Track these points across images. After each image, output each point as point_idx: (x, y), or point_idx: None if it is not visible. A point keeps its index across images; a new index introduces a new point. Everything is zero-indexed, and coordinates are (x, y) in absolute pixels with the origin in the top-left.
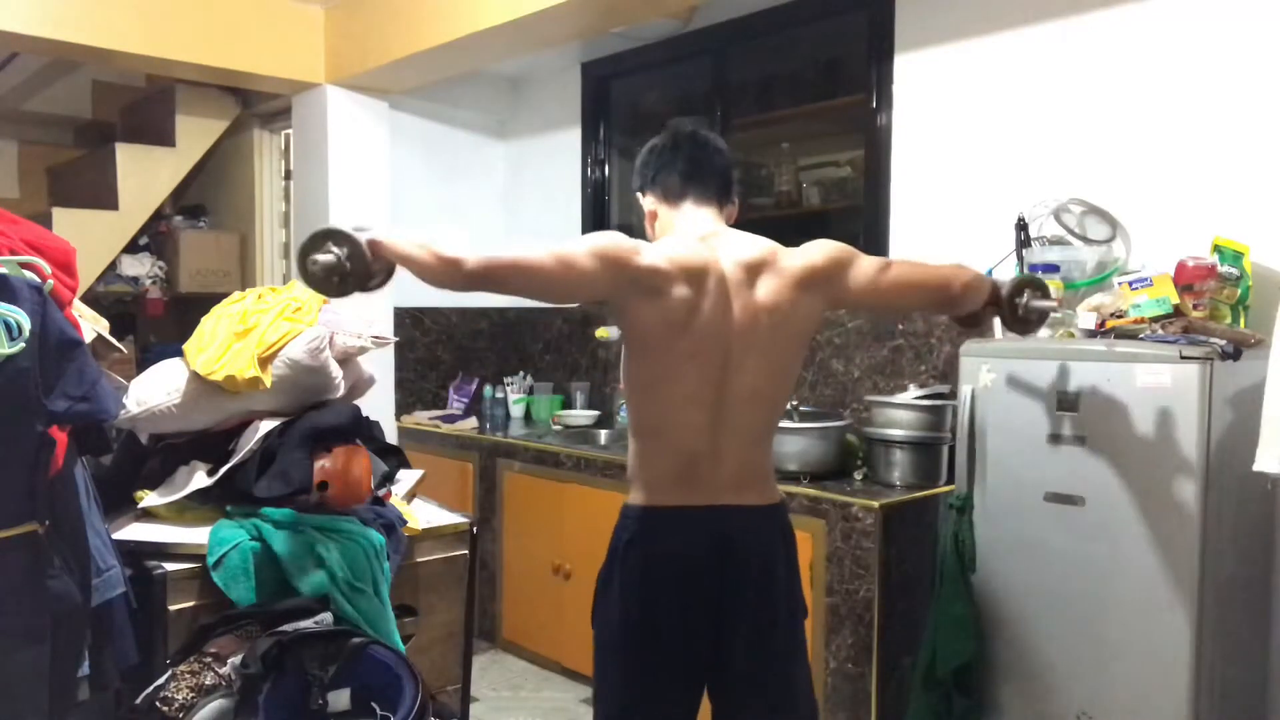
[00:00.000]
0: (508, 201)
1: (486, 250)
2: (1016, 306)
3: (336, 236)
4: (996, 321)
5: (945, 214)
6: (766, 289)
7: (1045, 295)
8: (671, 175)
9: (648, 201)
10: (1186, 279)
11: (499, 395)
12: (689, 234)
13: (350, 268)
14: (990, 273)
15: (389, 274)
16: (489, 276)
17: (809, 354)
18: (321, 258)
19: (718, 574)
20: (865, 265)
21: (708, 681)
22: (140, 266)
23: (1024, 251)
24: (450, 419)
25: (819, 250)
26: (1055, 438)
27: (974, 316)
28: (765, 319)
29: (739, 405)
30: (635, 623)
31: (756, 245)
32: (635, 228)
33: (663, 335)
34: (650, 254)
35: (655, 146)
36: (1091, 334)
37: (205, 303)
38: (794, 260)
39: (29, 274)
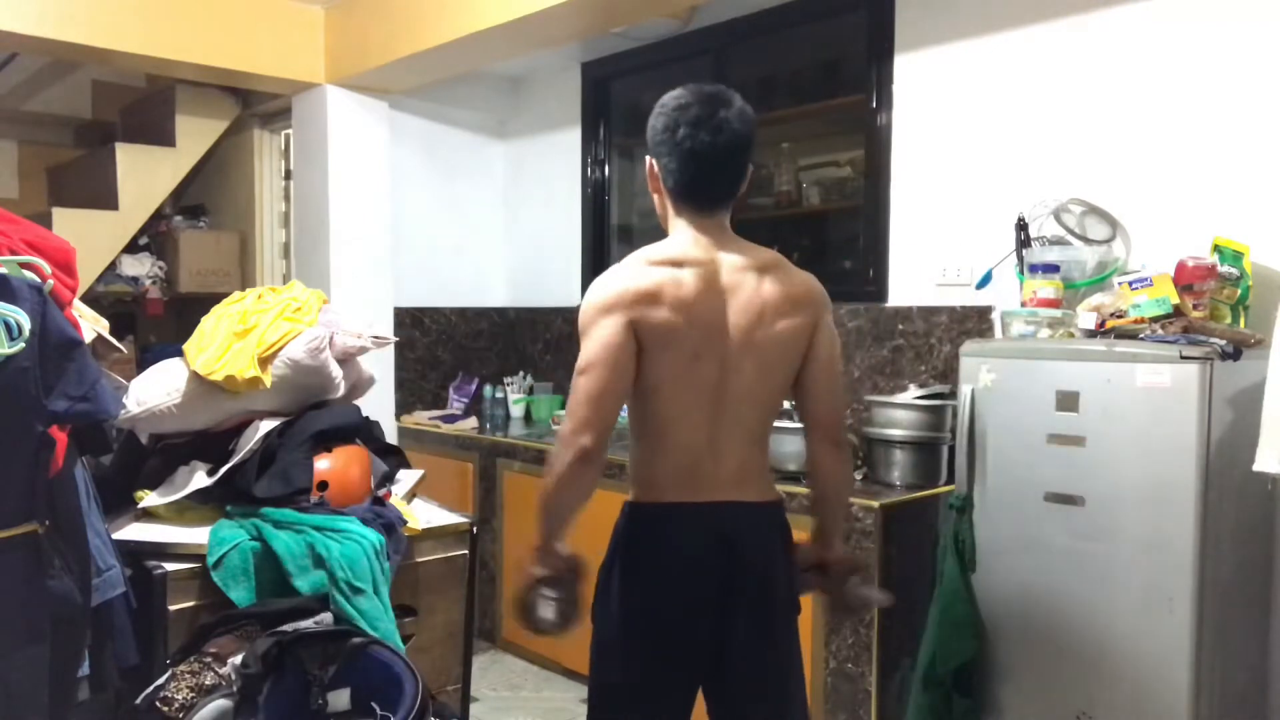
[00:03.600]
0: (508, 201)
1: (575, 426)
2: (844, 585)
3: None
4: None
5: (945, 214)
6: (766, 291)
7: (865, 588)
8: (679, 177)
9: (653, 165)
10: (1186, 279)
11: (499, 395)
12: (685, 238)
13: (564, 594)
14: (989, 275)
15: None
16: (606, 441)
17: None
18: (550, 617)
19: (720, 569)
20: (829, 334)
21: (705, 676)
22: (140, 266)
23: (1024, 251)
24: (450, 419)
25: (811, 284)
26: (1055, 438)
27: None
28: (763, 319)
29: (737, 405)
30: (637, 617)
31: (756, 253)
32: (635, 228)
33: (665, 337)
34: (631, 275)
35: (670, 126)
36: (1091, 334)
37: (205, 303)
38: (793, 277)
39: (29, 274)
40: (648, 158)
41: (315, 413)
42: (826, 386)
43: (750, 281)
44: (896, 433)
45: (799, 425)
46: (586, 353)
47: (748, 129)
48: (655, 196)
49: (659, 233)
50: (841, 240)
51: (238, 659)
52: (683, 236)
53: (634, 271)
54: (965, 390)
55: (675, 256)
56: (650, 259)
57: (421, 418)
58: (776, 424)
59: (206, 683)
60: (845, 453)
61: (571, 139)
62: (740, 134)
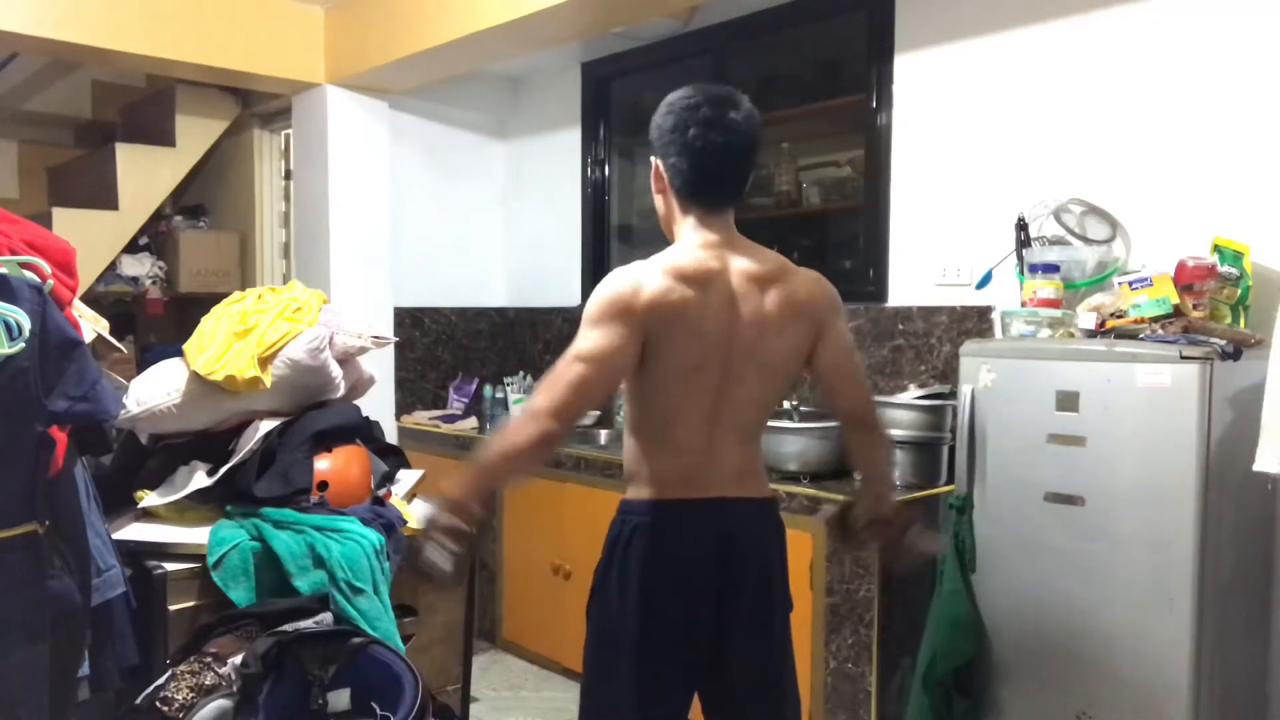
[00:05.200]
0: (508, 201)
1: (543, 404)
2: (904, 535)
3: (429, 548)
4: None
5: (945, 214)
6: (771, 303)
7: (927, 539)
8: (686, 182)
9: (658, 165)
10: (1186, 279)
11: (499, 395)
12: (693, 243)
13: (460, 549)
14: (989, 275)
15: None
16: (570, 425)
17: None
18: (443, 565)
19: (719, 566)
20: (844, 329)
21: (703, 674)
22: (140, 266)
23: (1024, 251)
24: (450, 419)
25: (820, 286)
26: (1055, 438)
27: (853, 513)
28: (767, 331)
29: (736, 409)
30: (636, 614)
31: (764, 259)
32: (635, 228)
33: (670, 347)
34: (658, 278)
35: (680, 125)
36: (1091, 334)
37: (205, 303)
38: (798, 281)
39: (29, 274)
40: (653, 158)
41: (315, 413)
42: (847, 382)
43: (757, 294)
44: (896, 433)
45: (800, 425)
46: (591, 344)
47: (756, 131)
48: (659, 198)
49: (659, 233)
50: (841, 240)
51: (238, 659)
52: (694, 242)
53: (656, 281)
54: (965, 390)
55: (693, 270)
56: (670, 270)
57: (421, 418)
58: (777, 424)
59: (206, 683)
60: (879, 432)
61: (571, 139)
62: (749, 136)
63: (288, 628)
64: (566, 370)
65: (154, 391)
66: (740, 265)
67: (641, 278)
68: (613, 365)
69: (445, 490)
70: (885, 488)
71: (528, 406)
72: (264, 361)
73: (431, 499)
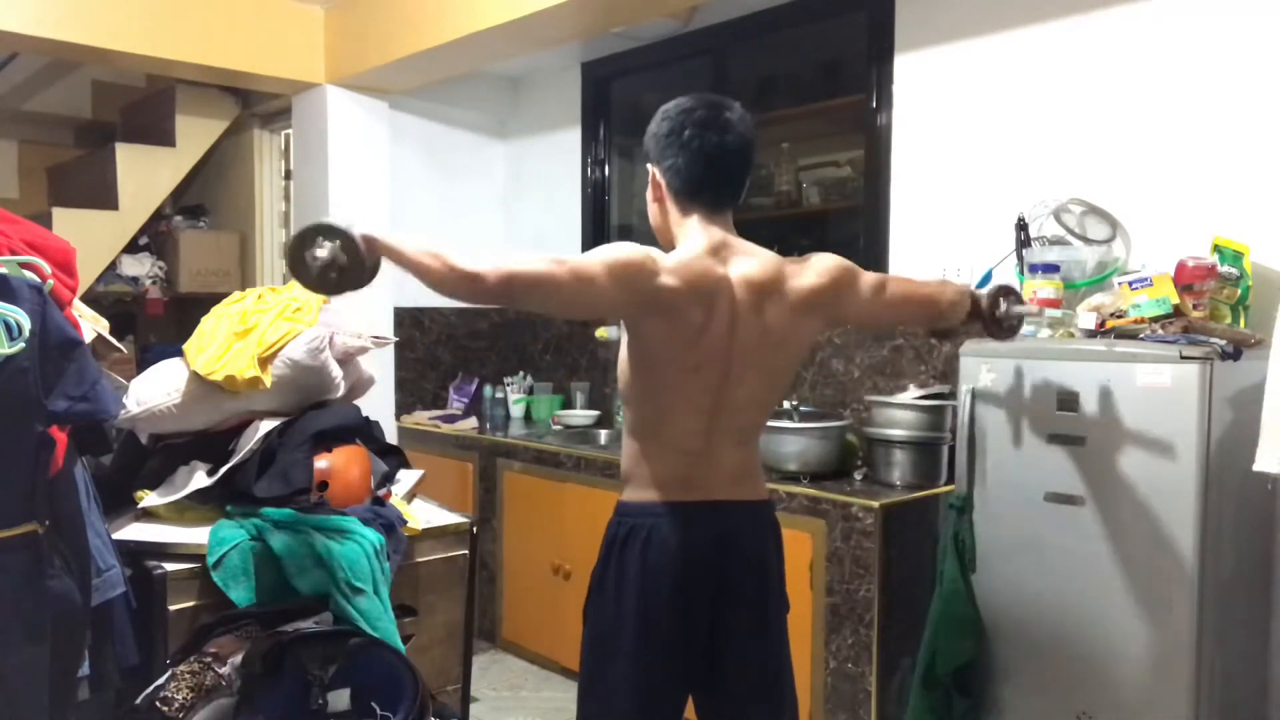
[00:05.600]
0: (508, 201)
1: (503, 262)
2: (997, 313)
3: (328, 231)
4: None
5: (945, 214)
6: (772, 312)
7: (1020, 301)
8: (686, 181)
9: (655, 173)
10: (1186, 279)
11: (499, 395)
12: (700, 247)
13: (346, 262)
14: (989, 274)
15: (377, 271)
16: (506, 293)
17: (809, 354)
18: (319, 253)
19: (717, 568)
20: (864, 285)
21: (700, 675)
22: (140, 266)
23: (1024, 251)
24: (450, 419)
25: (823, 273)
26: (1055, 438)
27: (951, 329)
28: (767, 340)
29: (735, 411)
30: (632, 616)
31: (765, 264)
32: (635, 228)
33: (669, 350)
34: (667, 274)
35: (676, 129)
36: (1091, 334)
37: (205, 303)
38: (799, 283)
39: (29, 274)
40: (649, 167)
41: (315, 413)
42: (896, 306)
43: (760, 300)
44: (896, 433)
45: (800, 425)
46: (582, 266)
47: (750, 132)
48: (655, 207)
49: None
50: (841, 240)
51: (238, 659)
52: (700, 246)
53: (668, 279)
54: (965, 390)
55: (699, 275)
56: (678, 272)
57: (421, 418)
58: (777, 424)
59: (206, 683)
60: (956, 302)
61: (571, 139)
62: (744, 136)
63: (288, 628)
64: (545, 263)
65: (154, 391)
66: (743, 271)
67: (660, 268)
68: (581, 293)
69: (381, 239)
70: (974, 304)
71: (499, 257)
72: (264, 361)
73: (360, 228)
